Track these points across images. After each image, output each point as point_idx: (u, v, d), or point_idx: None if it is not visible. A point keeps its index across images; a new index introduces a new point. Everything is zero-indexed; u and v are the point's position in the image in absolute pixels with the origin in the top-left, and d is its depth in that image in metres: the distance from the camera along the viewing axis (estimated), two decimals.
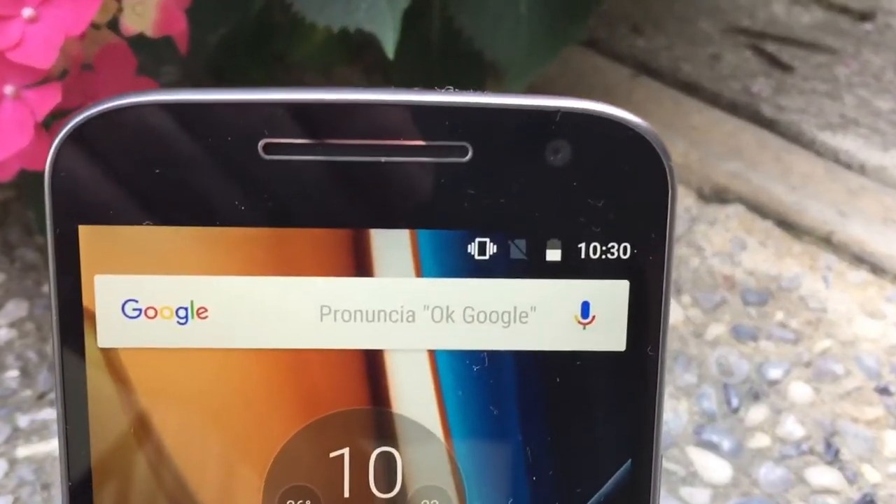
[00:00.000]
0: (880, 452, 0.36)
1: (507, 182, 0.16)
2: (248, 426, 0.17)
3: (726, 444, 0.36)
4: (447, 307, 0.17)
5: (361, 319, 0.17)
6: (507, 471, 0.18)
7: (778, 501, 0.34)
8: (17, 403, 0.37)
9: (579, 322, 0.17)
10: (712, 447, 0.36)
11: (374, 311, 0.17)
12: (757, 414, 0.38)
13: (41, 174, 0.45)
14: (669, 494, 0.35)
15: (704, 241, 0.46)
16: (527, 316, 0.17)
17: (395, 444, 0.17)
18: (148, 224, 0.16)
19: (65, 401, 0.17)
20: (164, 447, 0.17)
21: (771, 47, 0.60)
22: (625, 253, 0.17)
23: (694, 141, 0.52)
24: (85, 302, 0.17)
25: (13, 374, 0.38)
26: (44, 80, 0.35)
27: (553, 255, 0.17)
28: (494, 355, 0.17)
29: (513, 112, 0.16)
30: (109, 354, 0.17)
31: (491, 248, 0.17)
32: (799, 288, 0.44)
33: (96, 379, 0.17)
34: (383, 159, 0.16)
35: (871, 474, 0.35)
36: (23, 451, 0.35)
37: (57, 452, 0.34)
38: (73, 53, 0.36)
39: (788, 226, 0.47)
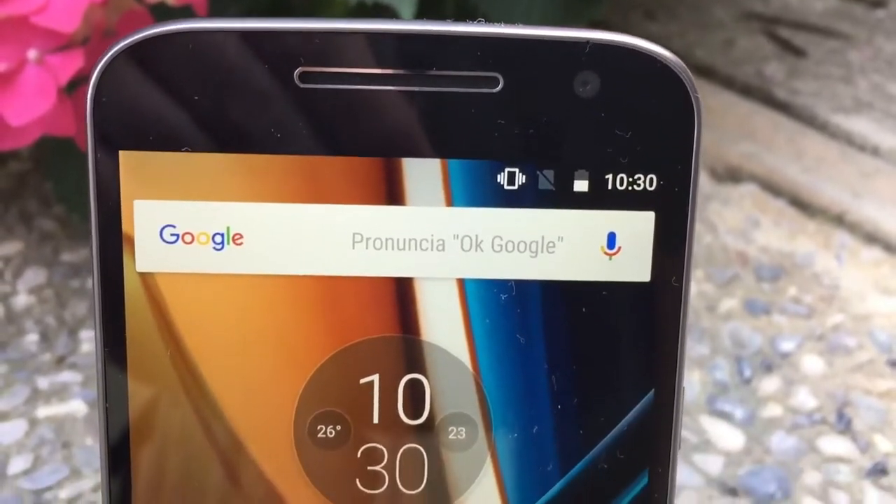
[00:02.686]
0: (892, 423, 0.37)
1: (537, 113, 0.17)
2: (280, 352, 0.18)
3: (739, 414, 0.37)
4: (476, 236, 0.17)
5: (392, 248, 0.17)
6: (532, 399, 0.18)
7: (790, 469, 0.34)
8: (36, 366, 0.37)
9: (605, 253, 0.17)
10: (725, 416, 0.37)
11: (404, 240, 0.17)
12: (769, 385, 0.38)
13: (59, 145, 0.46)
14: (682, 461, 0.35)
15: (718, 218, 0.47)
16: (554, 246, 0.17)
17: (423, 372, 0.18)
18: (186, 150, 0.17)
19: (103, 325, 0.17)
20: (199, 371, 0.18)
21: (784, 33, 0.60)
22: (651, 184, 0.17)
23: (708, 123, 0.52)
24: (124, 227, 0.17)
25: (33, 338, 0.38)
26: (66, 45, 0.36)
27: (580, 185, 0.17)
28: (522, 285, 0.17)
29: (543, 43, 0.17)
30: (147, 279, 0.17)
31: (520, 179, 0.17)
32: (812, 265, 0.44)
33: (134, 303, 0.17)
34: (416, 89, 0.17)
35: (882, 444, 0.36)
36: (43, 412, 0.35)
37: (77, 413, 0.35)
38: (95, 20, 0.37)
39: (802, 205, 0.48)
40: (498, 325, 0.18)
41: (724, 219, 0.46)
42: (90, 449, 0.34)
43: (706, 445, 0.35)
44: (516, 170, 0.17)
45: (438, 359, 0.18)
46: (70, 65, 0.35)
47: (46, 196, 0.46)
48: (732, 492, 0.34)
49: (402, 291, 0.17)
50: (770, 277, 0.43)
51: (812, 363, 0.39)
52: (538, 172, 0.17)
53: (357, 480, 0.18)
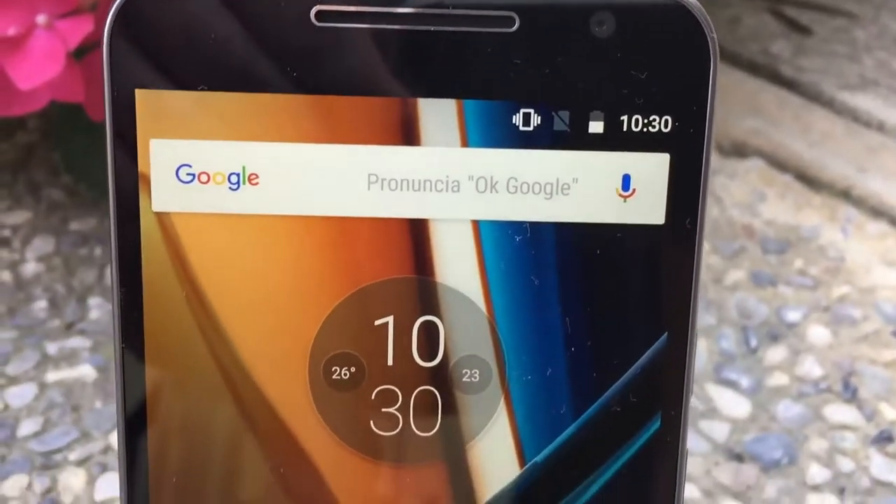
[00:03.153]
0: None
1: (552, 53, 0.17)
2: (295, 293, 0.18)
3: (745, 382, 0.37)
4: (491, 177, 0.17)
5: (407, 188, 0.17)
6: (546, 341, 0.18)
7: (796, 436, 0.35)
8: (45, 332, 0.37)
9: (620, 195, 0.17)
10: (731, 384, 0.37)
11: (419, 181, 0.17)
12: (775, 354, 0.38)
13: (67, 115, 0.46)
14: (689, 428, 0.35)
15: (724, 192, 0.47)
16: (568, 188, 0.17)
17: (437, 314, 0.18)
18: (202, 89, 0.17)
19: (119, 265, 0.17)
20: (214, 312, 0.18)
21: (790, 11, 0.60)
22: (666, 126, 0.17)
23: None
24: (140, 166, 0.17)
25: (41, 304, 0.38)
26: (75, 10, 0.36)
27: (595, 127, 0.17)
28: (536, 226, 0.18)
29: None
30: (163, 219, 0.17)
31: (535, 120, 0.17)
32: (818, 238, 0.44)
33: (150, 243, 0.17)
34: (431, 28, 0.17)
35: (888, 412, 0.36)
36: (52, 376, 0.35)
37: (86, 378, 0.35)
38: None
39: (808, 180, 0.48)
40: (512, 267, 0.18)
41: (731, 192, 0.46)
42: (100, 412, 0.34)
43: (712, 413, 0.36)
44: (531, 111, 0.17)
45: (453, 301, 0.18)
46: (79, 30, 0.35)
47: (54, 166, 0.46)
48: (738, 457, 0.34)
49: (416, 233, 0.17)
50: (776, 250, 0.43)
51: (818, 333, 0.39)
52: (553, 113, 0.17)
53: (371, 422, 0.18)
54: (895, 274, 0.42)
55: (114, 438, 0.33)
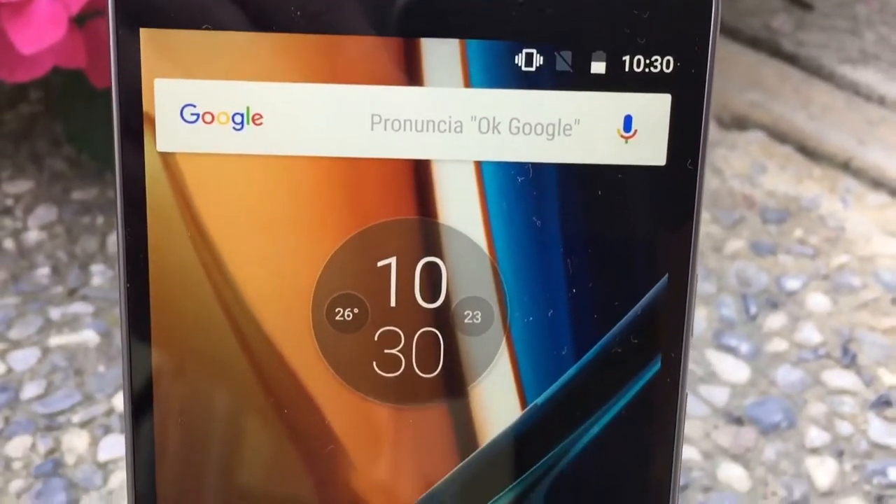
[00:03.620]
0: (895, 358, 0.37)
1: None
2: (299, 234, 0.18)
3: (744, 348, 0.37)
4: (493, 118, 0.17)
5: (410, 129, 0.17)
6: (547, 283, 0.18)
7: (795, 401, 0.35)
8: (48, 298, 0.37)
9: (621, 136, 0.18)
10: (731, 350, 0.37)
11: (422, 121, 0.17)
12: (775, 321, 0.38)
13: (69, 86, 0.46)
14: (691, 394, 0.35)
15: (724, 164, 0.47)
16: (570, 128, 0.17)
17: (440, 255, 0.18)
18: (207, 28, 0.17)
19: (124, 206, 0.18)
20: (219, 253, 0.18)
21: None
22: (668, 66, 0.17)
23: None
24: (145, 106, 0.17)
25: (44, 271, 0.39)
26: None
27: (598, 67, 0.17)
28: (538, 168, 0.18)
29: None
30: (168, 159, 0.17)
31: (537, 60, 0.17)
32: (818, 208, 0.44)
33: (155, 183, 0.17)
34: None
35: (887, 377, 0.36)
36: (55, 341, 0.36)
37: (89, 343, 0.35)
38: None
39: (808, 152, 0.48)
40: (514, 209, 0.18)
41: (731, 164, 0.47)
42: (102, 376, 0.34)
43: (712, 377, 0.36)
44: (534, 51, 0.17)
45: (455, 242, 0.18)
46: None
47: (56, 137, 0.46)
48: (738, 421, 0.34)
49: (419, 174, 0.18)
50: (776, 220, 0.43)
51: (817, 301, 0.39)
52: (556, 54, 0.17)
53: (374, 363, 0.18)
54: (895, 243, 0.42)
55: (117, 401, 0.33)
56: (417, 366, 0.18)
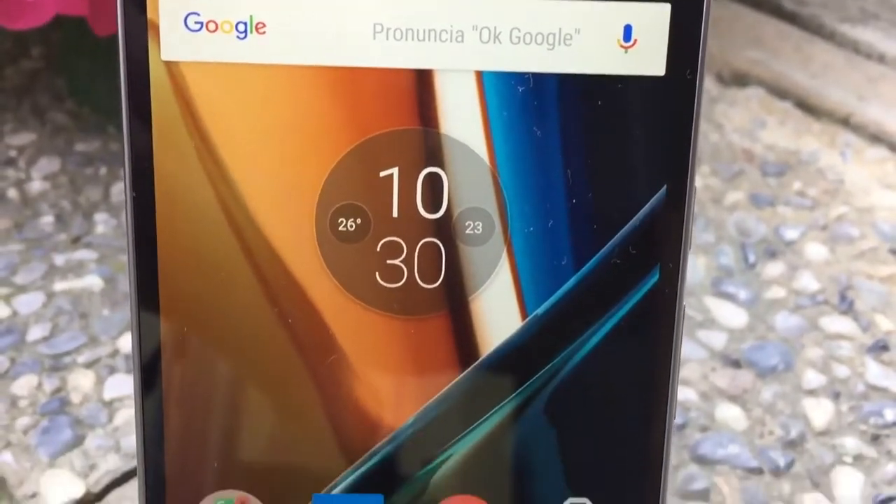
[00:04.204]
0: (894, 305, 0.37)
1: None
2: (302, 144, 0.18)
3: (743, 295, 0.37)
4: (494, 28, 0.18)
5: (412, 38, 0.18)
6: (547, 193, 0.18)
7: (793, 345, 0.35)
8: (52, 245, 0.38)
9: (621, 45, 0.18)
10: (729, 297, 0.37)
11: (424, 31, 0.18)
12: (773, 269, 0.39)
13: (71, 41, 0.46)
14: (686, 337, 0.35)
15: (724, 118, 0.47)
16: (571, 38, 0.18)
17: (441, 165, 0.18)
18: None
19: (130, 115, 0.18)
20: (223, 163, 0.18)
21: None
22: None
23: (714, 31, 0.53)
24: (149, 14, 0.17)
25: (48, 219, 0.39)
26: None
27: None
28: (539, 78, 0.18)
29: None
30: (172, 68, 0.18)
31: None
32: (817, 162, 0.44)
33: (159, 93, 0.18)
34: None
35: (884, 323, 0.36)
36: (59, 286, 0.36)
37: (93, 288, 0.36)
38: None
39: (808, 108, 0.48)
40: (515, 119, 0.18)
41: (731, 119, 0.47)
42: (107, 319, 0.35)
43: (710, 323, 0.36)
44: None
45: (456, 152, 0.18)
46: None
47: (58, 92, 0.46)
48: (735, 364, 0.34)
49: (421, 83, 0.18)
50: (775, 173, 0.44)
51: (815, 250, 0.40)
52: None
53: (376, 274, 0.19)
54: (893, 196, 0.42)
55: (122, 343, 0.34)
56: (419, 276, 0.19)
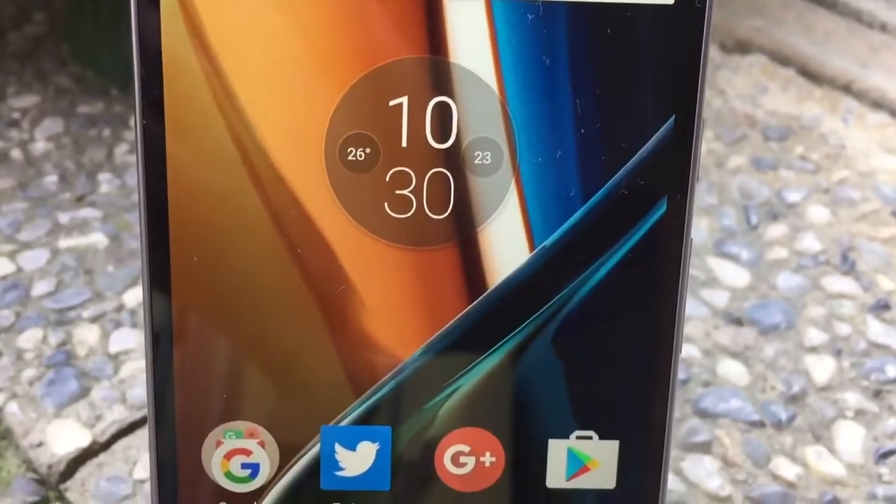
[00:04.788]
0: (894, 265, 0.37)
1: None
2: (311, 72, 0.18)
3: (745, 255, 0.37)
4: None
5: None
6: (556, 123, 0.18)
7: (794, 304, 0.35)
8: (56, 204, 0.38)
9: None
10: (732, 257, 0.37)
11: None
12: (775, 231, 0.39)
13: (74, 6, 0.46)
14: (691, 297, 0.36)
15: (727, 85, 0.47)
16: None
17: (450, 94, 0.18)
18: None
19: (139, 42, 0.18)
20: (233, 90, 0.18)
21: None
22: None
23: (716, 1, 0.53)
24: None
25: (52, 179, 0.39)
26: None
27: None
28: (548, 5, 0.18)
29: None
30: None
31: None
32: (819, 126, 0.44)
33: (169, 18, 0.18)
34: None
35: (886, 283, 0.36)
36: (64, 243, 0.36)
37: (98, 245, 0.36)
38: None
39: (809, 74, 0.48)
40: (524, 47, 0.18)
41: (733, 85, 0.47)
42: (112, 275, 0.35)
43: (712, 282, 0.36)
44: None
45: (465, 81, 0.18)
46: None
47: (61, 56, 0.46)
48: (738, 321, 0.35)
49: (430, 11, 0.18)
50: (777, 137, 0.44)
51: (818, 212, 0.40)
52: None
53: (385, 204, 0.19)
54: (895, 160, 0.43)
55: (127, 298, 0.34)
56: (428, 207, 0.19)
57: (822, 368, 0.33)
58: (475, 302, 0.19)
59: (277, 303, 0.19)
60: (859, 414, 0.32)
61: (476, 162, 0.19)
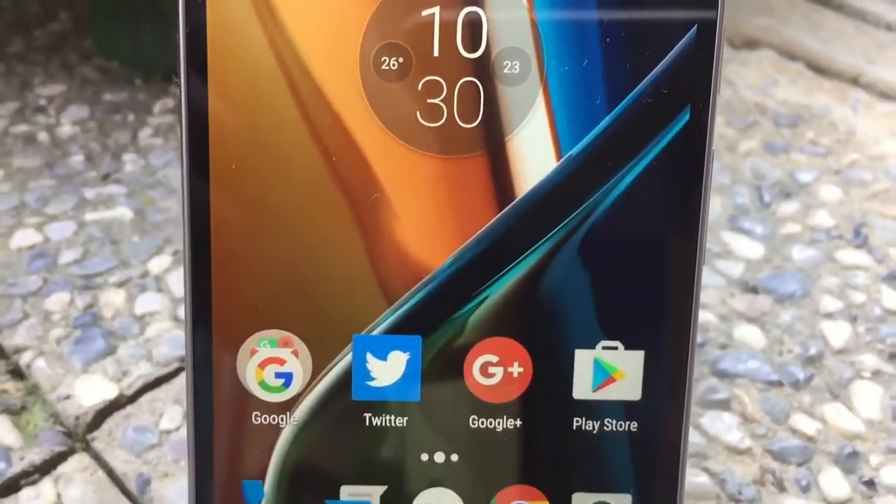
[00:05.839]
0: None
1: None
2: None
3: (759, 230, 0.38)
4: None
5: None
6: (582, 33, 0.19)
7: (809, 274, 0.36)
8: (83, 181, 0.39)
9: None
10: (746, 232, 0.38)
11: None
12: (788, 208, 0.39)
13: (98, 2, 0.47)
14: (706, 267, 0.36)
15: (737, 77, 0.48)
16: None
17: (481, 4, 0.19)
18: None
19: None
20: (272, 3, 0.19)
21: None
22: None
23: None
24: None
25: (78, 158, 0.40)
26: None
27: None
28: None
29: None
30: None
31: None
32: (829, 115, 0.45)
33: None
34: None
35: None
36: (91, 216, 0.37)
37: (124, 218, 0.36)
38: None
39: (818, 69, 0.49)
40: None
41: (743, 77, 0.48)
42: (137, 245, 0.35)
43: (727, 254, 0.37)
44: None
45: None
46: None
47: (86, 50, 0.47)
48: (753, 290, 0.35)
49: None
50: (788, 124, 0.44)
51: (830, 192, 0.40)
52: None
53: (417, 113, 0.19)
54: None
55: (152, 265, 0.34)
56: (458, 115, 0.19)
57: (838, 333, 0.33)
58: (503, 211, 0.20)
59: (312, 211, 0.20)
60: (876, 375, 0.32)
61: (505, 71, 0.19)
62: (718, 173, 0.41)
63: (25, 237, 0.35)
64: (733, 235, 0.38)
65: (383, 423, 0.21)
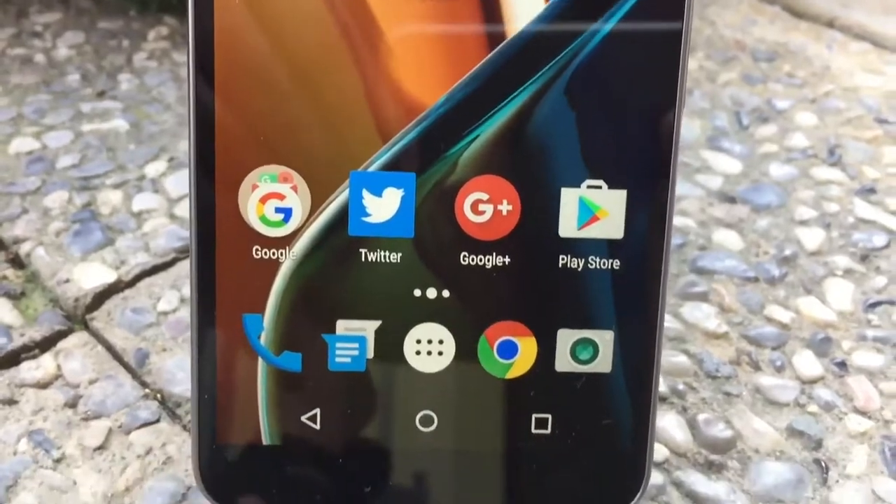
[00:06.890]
0: (879, 160, 0.39)
1: None
2: None
3: (738, 149, 0.39)
4: None
5: None
6: None
7: (785, 188, 0.37)
8: (79, 97, 0.39)
9: None
10: (724, 150, 0.39)
11: None
12: (766, 131, 0.41)
13: None
14: (685, 180, 0.37)
15: (716, 17, 0.49)
16: None
17: None
18: None
19: None
20: None
21: None
22: None
23: None
24: None
25: (74, 77, 0.41)
26: None
27: None
28: None
29: None
30: None
31: None
32: (805, 51, 0.47)
33: None
34: None
35: (871, 173, 0.38)
36: (87, 127, 0.37)
37: (119, 129, 0.37)
38: None
39: (795, 12, 0.50)
40: None
41: (723, 17, 0.49)
42: (133, 152, 0.36)
43: (706, 169, 0.38)
44: None
45: None
46: None
47: None
48: (731, 200, 0.36)
49: None
50: (766, 59, 0.46)
51: (805, 118, 0.42)
52: None
53: None
54: (877, 79, 0.45)
55: (148, 169, 0.35)
56: None
57: (812, 237, 0.35)
58: (494, 50, 0.21)
59: (311, 48, 0.21)
60: (848, 273, 0.33)
61: None
62: (699, 99, 0.42)
63: (24, 144, 0.36)
64: (713, 153, 0.39)
65: (378, 259, 0.22)
